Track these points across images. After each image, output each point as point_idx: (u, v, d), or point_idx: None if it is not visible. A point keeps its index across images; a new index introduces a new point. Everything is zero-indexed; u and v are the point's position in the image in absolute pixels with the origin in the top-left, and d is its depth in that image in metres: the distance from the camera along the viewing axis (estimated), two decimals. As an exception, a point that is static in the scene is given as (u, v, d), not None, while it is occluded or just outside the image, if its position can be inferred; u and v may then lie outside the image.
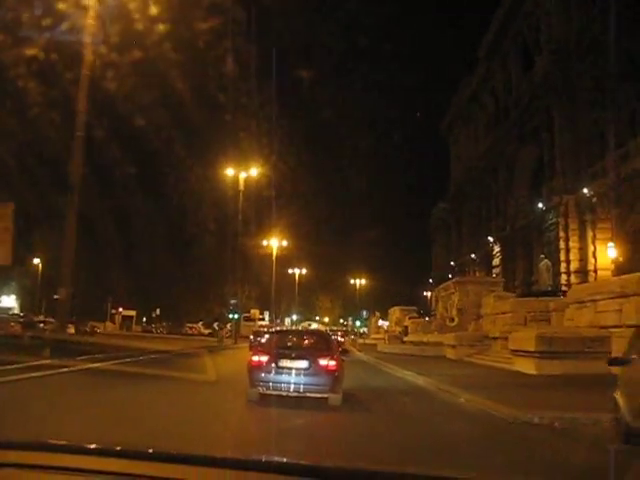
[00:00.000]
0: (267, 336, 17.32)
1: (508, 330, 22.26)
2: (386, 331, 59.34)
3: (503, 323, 24.62)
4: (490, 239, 53.57)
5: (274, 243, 54.99)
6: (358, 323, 52.56)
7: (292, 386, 10.88)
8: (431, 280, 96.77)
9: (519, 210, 47.33)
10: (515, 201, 47.99)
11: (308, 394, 10.97)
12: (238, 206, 39.96)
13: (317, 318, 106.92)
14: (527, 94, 45.99)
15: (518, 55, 49.93)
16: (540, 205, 41.36)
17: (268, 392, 10.97)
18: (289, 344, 12.53)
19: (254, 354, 11.82)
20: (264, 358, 11.22)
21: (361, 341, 63.66)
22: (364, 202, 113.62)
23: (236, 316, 42.49)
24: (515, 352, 19.67)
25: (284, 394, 10.90)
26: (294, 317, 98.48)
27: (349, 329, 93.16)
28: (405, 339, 40.94)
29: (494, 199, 54.77)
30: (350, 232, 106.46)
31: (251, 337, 33.51)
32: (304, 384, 10.88)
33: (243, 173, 40.14)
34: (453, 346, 29.07)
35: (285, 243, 57.81)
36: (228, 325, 45.74)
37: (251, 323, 60.23)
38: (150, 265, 58.16)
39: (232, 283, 43.52)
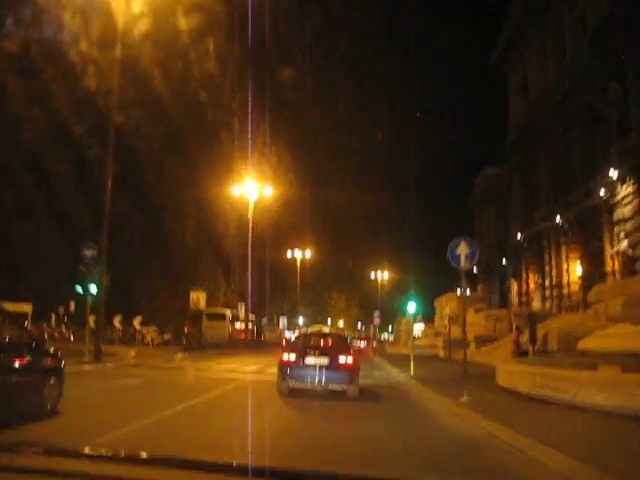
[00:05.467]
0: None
1: None
2: (436, 333, 37.56)
3: None
4: (613, 174, 31.72)
5: (251, 191, 33.46)
6: (412, 308, 27.33)
7: (316, 379, 12.86)
8: (475, 268, 75.40)
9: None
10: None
11: (330, 386, 13.05)
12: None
13: (329, 321, 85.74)
14: None
15: None
16: None
17: (296, 385, 13.16)
18: (313, 344, 14.55)
19: (284, 353, 13.75)
20: (292, 357, 13.35)
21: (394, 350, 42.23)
22: (387, 175, 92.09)
23: (94, 290, 20.18)
24: None
25: (309, 387, 13.04)
26: (300, 319, 77.35)
27: (369, 334, 72.63)
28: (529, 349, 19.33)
29: (615, 106, 32.99)
30: (370, 215, 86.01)
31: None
32: (326, 378, 12.89)
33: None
34: None
35: (270, 191, 36.44)
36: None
37: (217, 323, 38.74)
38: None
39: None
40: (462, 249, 13.49)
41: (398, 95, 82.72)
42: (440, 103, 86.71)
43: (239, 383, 16.18)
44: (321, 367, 12.94)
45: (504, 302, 57.56)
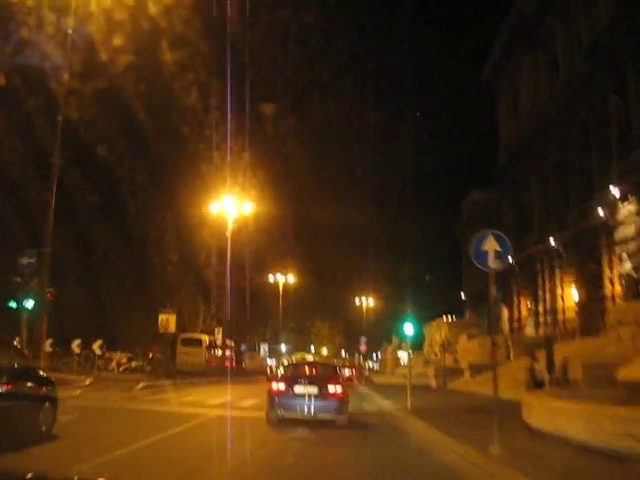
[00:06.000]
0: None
1: None
2: (426, 361, 35.14)
3: None
4: (614, 191, 29.95)
5: (229, 207, 31.34)
6: (410, 329, 22.05)
7: (306, 409, 12.86)
8: (463, 295, 73.26)
9: None
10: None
11: (319, 416, 12.95)
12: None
13: (312, 348, 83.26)
14: None
15: None
16: None
17: (286, 415, 13.03)
18: (302, 374, 14.64)
19: (272, 382, 13.94)
20: (282, 386, 13.34)
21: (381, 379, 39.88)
22: (371, 200, 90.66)
23: (29, 305, 17.65)
24: None
25: (299, 417, 12.92)
26: (282, 346, 74.71)
27: (354, 362, 70.16)
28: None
29: (615, 121, 31.43)
30: (354, 241, 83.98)
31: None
32: (315, 407, 12.88)
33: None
34: None
35: (250, 212, 34.33)
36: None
37: (193, 349, 36.22)
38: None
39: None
40: (490, 245, 10.06)
41: (383, 119, 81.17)
42: (427, 127, 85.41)
43: (197, 422, 13.35)
44: (310, 396, 12.94)
45: (493, 329, 55.46)
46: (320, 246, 66.75)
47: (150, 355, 31.01)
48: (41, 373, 10.99)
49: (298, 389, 13.13)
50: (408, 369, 18.37)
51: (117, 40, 20.53)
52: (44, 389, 10.17)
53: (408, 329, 17.94)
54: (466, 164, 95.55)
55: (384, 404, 19.96)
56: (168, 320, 32.21)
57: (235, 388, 24.06)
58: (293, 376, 14.18)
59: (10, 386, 8.87)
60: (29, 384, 9.71)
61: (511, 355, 29.56)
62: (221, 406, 16.68)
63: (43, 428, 9.73)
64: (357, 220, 72.15)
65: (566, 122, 39.24)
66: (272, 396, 13.28)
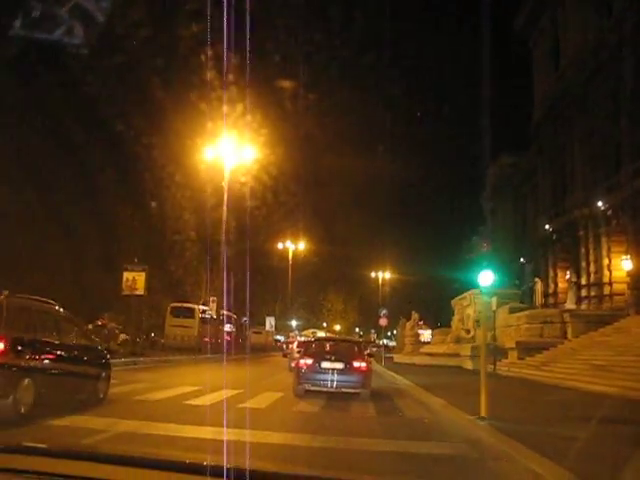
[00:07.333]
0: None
1: None
2: (457, 339, 30.08)
3: None
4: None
5: (225, 152, 26.44)
6: (488, 279, 16.56)
7: (330, 383, 13.46)
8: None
9: None
10: None
11: (343, 389, 13.59)
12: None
13: (324, 324, 78.73)
14: None
15: None
16: None
17: (313, 388, 13.66)
18: (328, 349, 15.06)
19: (301, 358, 14.46)
20: (309, 361, 13.95)
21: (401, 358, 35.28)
22: (389, 162, 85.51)
23: None
24: None
25: (324, 390, 13.56)
26: (293, 322, 70.35)
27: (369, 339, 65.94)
28: None
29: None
30: (370, 211, 79.53)
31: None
32: (340, 381, 13.48)
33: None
34: None
35: (254, 157, 29.35)
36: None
37: (184, 321, 31.61)
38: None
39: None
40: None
41: (402, 82, 76.02)
42: (448, 92, 79.81)
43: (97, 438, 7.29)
44: (334, 370, 13.49)
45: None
46: (335, 214, 62.24)
47: (99, 323, 25.30)
48: (99, 347, 12.45)
49: (324, 364, 13.63)
50: (482, 348, 11.57)
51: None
52: (102, 360, 11.65)
53: (485, 278, 11.07)
54: (494, 128, 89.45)
55: (433, 404, 13.38)
56: (135, 279, 25.14)
57: (221, 370, 19.11)
58: (320, 352, 14.60)
59: (81, 358, 10.59)
60: (92, 357, 11.22)
61: (568, 333, 24.49)
62: (163, 404, 11.44)
63: (101, 395, 11.10)
64: (375, 185, 67.40)
65: (620, 64, 33.86)
66: (299, 370, 13.86)
